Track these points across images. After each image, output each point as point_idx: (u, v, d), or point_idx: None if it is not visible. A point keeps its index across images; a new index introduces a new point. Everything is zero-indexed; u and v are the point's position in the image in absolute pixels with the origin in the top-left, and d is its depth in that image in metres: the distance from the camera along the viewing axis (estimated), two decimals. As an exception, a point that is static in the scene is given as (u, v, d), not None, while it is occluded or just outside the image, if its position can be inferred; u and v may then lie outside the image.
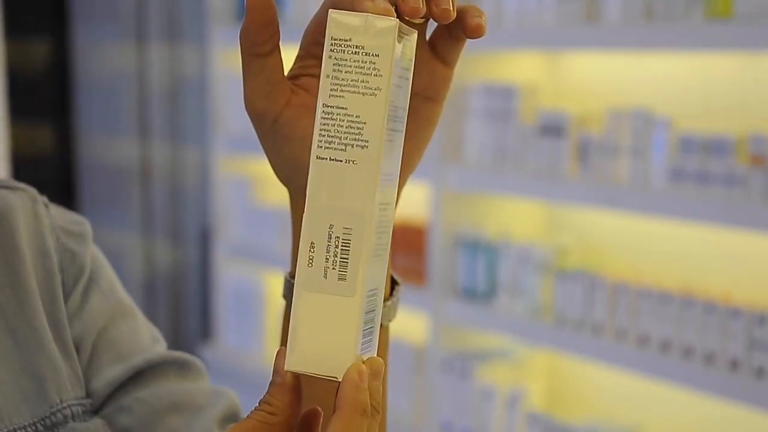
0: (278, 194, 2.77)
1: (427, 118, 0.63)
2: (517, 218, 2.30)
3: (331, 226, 0.52)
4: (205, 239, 3.33)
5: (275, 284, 2.81)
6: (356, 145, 0.52)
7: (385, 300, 0.60)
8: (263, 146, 0.62)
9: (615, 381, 2.15)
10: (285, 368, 0.51)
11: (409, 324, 2.37)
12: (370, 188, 0.51)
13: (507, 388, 2.18)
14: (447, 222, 2.25)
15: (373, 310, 0.53)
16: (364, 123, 0.51)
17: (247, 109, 0.60)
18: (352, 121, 0.52)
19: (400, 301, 0.64)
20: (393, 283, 0.64)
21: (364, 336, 0.52)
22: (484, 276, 2.20)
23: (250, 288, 2.93)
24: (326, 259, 0.51)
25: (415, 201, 2.34)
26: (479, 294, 2.21)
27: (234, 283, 2.97)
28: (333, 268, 0.51)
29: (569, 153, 2.02)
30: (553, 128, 2.04)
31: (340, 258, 0.51)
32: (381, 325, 0.57)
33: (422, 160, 0.64)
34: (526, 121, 2.10)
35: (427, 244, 2.30)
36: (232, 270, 2.97)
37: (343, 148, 0.52)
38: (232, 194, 2.94)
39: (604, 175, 1.96)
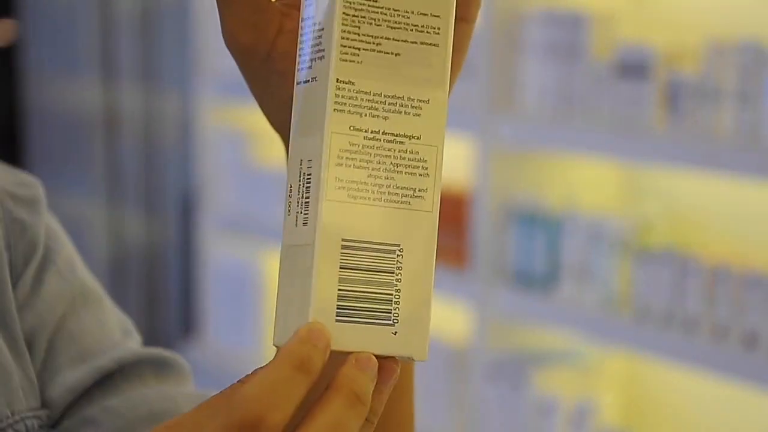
0: (280, 152, 2.77)
1: (455, 43, 0.62)
2: (586, 183, 2.30)
3: (300, 162, 0.54)
4: (187, 209, 3.34)
5: (276, 265, 2.82)
6: (317, 58, 0.53)
7: None
8: (253, 90, 0.63)
9: (711, 391, 2.15)
10: (273, 344, 0.53)
11: (447, 318, 2.38)
12: (325, 106, 0.52)
13: (572, 400, 2.19)
14: (496, 188, 2.25)
15: (391, 272, 0.53)
16: (322, 29, 0.53)
17: (228, 46, 0.60)
18: (316, 31, 0.53)
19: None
20: None
21: (347, 300, 0.51)
22: (543, 256, 2.20)
23: (245, 270, 2.94)
24: (298, 202, 0.53)
25: (454, 161, 2.34)
26: (537, 279, 2.22)
27: (224, 263, 2.99)
28: (301, 213, 0.53)
29: (655, 99, 2.01)
30: (634, 67, 2.03)
31: (304, 198, 0.53)
32: None
33: (464, 109, 0.64)
34: (599, 59, 2.09)
35: (469, 216, 2.31)
36: (222, 247, 2.99)
37: (311, 65, 0.53)
38: (222, 152, 2.95)
39: (700, 128, 1.95)
